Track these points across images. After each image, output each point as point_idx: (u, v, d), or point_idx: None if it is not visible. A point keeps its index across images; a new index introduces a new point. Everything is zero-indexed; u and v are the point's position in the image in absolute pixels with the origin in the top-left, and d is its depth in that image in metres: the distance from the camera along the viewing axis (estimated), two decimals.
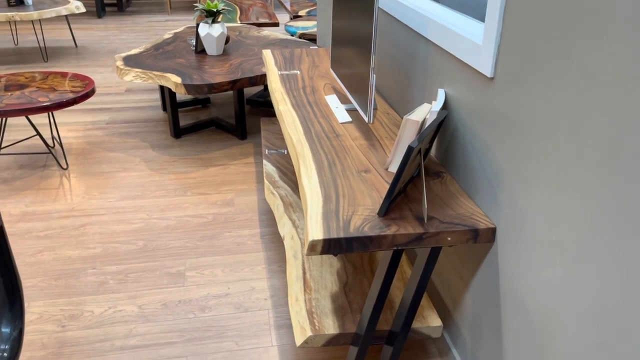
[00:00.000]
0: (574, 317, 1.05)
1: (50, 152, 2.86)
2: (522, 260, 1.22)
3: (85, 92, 2.77)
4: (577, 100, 1.00)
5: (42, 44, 5.51)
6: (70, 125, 3.44)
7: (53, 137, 3.05)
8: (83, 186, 2.70)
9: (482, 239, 1.34)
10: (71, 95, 2.70)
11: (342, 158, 1.65)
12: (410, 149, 1.24)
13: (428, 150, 1.57)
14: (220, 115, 3.63)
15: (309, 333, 1.49)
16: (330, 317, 1.56)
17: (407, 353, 1.73)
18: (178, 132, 3.27)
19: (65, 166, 2.90)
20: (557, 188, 1.08)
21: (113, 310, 1.88)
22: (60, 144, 2.90)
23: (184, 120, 3.54)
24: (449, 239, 1.32)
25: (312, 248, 1.26)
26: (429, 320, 1.57)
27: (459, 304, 1.59)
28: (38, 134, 2.85)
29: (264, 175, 2.37)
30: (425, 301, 1.63)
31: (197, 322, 1.83)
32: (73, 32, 6.04)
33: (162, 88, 3.58)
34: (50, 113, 3.00)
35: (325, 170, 1.57)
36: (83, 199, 2.58)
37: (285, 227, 2.00)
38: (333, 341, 1.51)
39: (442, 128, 1.66)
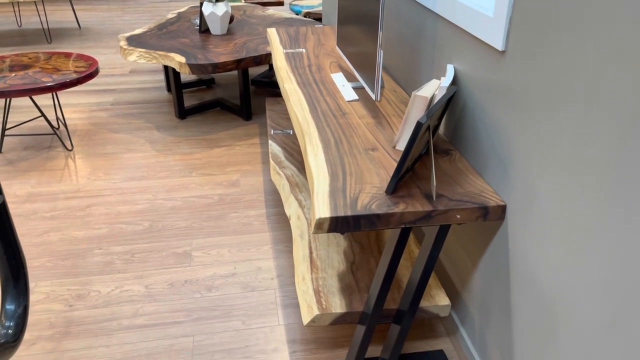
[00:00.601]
0: (586, 295, 1.03)
1: (55, 134, 2.85)
2: (533, 238, 1.20)
3: (89, 72, 2.74)
4: (592, 73, 0.97)
5: (45, 26, 5.47)
6: (75, 106, 3.43)
7: (58, 119, 3.04)
8: (88, 167, 2.69)
9: (492, 216, 1.31)
10: (75, 76, 2.68)
11: (348, 136, 1.62)
12: (419, 125, 1.21)
13: (437, 127, 1.54)
14: (225, 96, 3.60)
15: (316, 312, 1.49)
16: (337, 296, 1.55)
17: (415, 332, 1.72)
18: (183, 113, 3.25)
19: (70, 147, 2.89)
20: (570, 164, 1.05)
21: (120, 290, 1.88)
22: (65, 125, 2.89)
23: (189, 101, 3.51)
24: (458, 216, 1.30)
25: (319, 226, 1.25)
26: (437, 299, 1.55)
27: (467, 282, 1.58)
28: (42, 115, 2.83)
29: (270, 155, 2.35)
30: (433, 280, 1.62)
31: (204, 301, 1.83)
32: (76, 13, 6.00)
33: (166, 68, 3.54)
34: (54, 94, 2.98)
35: (332, 148, 1.55)
36: (88, 180, 2.58)
37: (291, 207, 1.99)
38: (340, 320, 1.50)
39: (451, 104, 1.63)
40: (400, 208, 1.27)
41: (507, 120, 1.29)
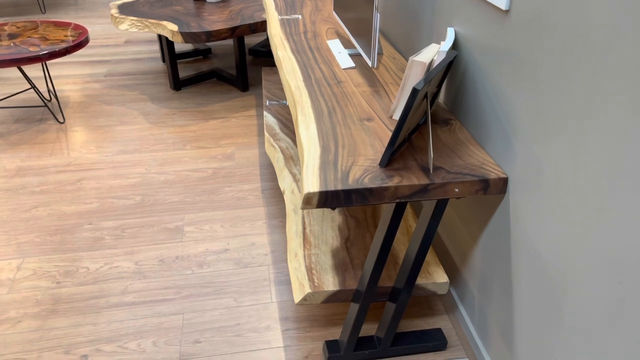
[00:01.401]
0: (592, 273, 0.96)
1: (46, 106, 2.77)
2: (537, 212, 1.12)
3: (79, 41, 2.64)
4: (606, 32, 0.88)
5: None
6: (67, 78, 3.34)
7: (49, 90, 2.95)
8: (80, 140, 2.62)
9: (492, 190, 1.23)
10: (64, 45, 2.58)
11: (343, 105, 1.53)
12: (414, 92, 1.13)
13: (436, 95, 1.45)
14: (221, 66, 3.50)
15: (308, 290, 1.42)
16: (330, 273, 1.48)
17: (412, 309, 1.66)
18: (178, 84, 3.15)
19: (62, 120, 2.81)
20: (578, 135, 0.97)
21: (109, 267, 1.82)
22: (56, 97, 2.80)
23: (184, 72, 3.41)
24: (457, 190, 1.22)
25: (308, 201, 1.17)
26: (435, 277, 1.49)
27: (467, 259, 1.51)
28: (33, 86, 2.75)
29: (265, 127, 2.27)
30: (431, 256, 1.55)
31: (195, 278, 1.77)
32: None
33: (161, 38, 3.44)
34: (44, 64, 2.89)
35: (324, 118, 1.46)
36: (80, 153, 2.50)
37: (285, 181, 1.91)
38: (333, 298, 1.44)
39: (451, 70, 1.53)
40: (394, 182, 1.19)
41: (511, 86, 1.19)
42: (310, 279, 1.46)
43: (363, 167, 1.25)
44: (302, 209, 1.18)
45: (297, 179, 1.90)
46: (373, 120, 1.46)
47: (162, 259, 1.86)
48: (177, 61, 3.57)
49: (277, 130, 2.23)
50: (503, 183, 1.23)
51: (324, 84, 1.68)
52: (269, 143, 2.16)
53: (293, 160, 2.02)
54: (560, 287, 1.06)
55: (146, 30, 2.81)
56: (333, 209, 1.25)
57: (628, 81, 0.83)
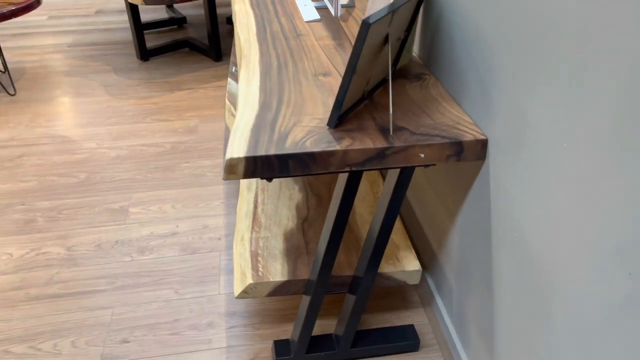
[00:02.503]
0: (591, 261, 0.70)
1: None
2: (521, 182, 0.87)
3: (28, 3, 2.38)
4: None
5: None
6: (26, 49, 3.08)
7: (2, 62, 2.70)
8: (29, 113, 2.37)
9: (468, 155, 0.98)
10: (10, 8, 2.32)
11: (297, 59, 1.28)
12: (365, 26, 0.87)
13: (404, 42, 1.19)
14: (195, 36, 3.22)
15: (250, 281, 1.18)
16: (280, 260, 1.23)
17: (383, 302, 1.42)
18: (145, 53, 2.89)
19: (12, 92, 2.56)
20: (572, 85, 0.71)
21: (36, 253, 1.58)
22: (6, 68, 2.55)
23: (156, 42, 3.15)
24: (422, 155, 0.96)
25: (231, 169, 0.92)
26: (405, 263, 1.24)
27: (444, 242, 1.26)
28: None
29: (226, 95, 2.01)
30: (402, 240, 1.30)
31: (133, 266, 1.53)
32: None
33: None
34: None
35: (272, 74, 1.20)
36: (27, 127, 2.26)
37: None
38: (280, 290, 1.20)
39: (425, 16, 1.27)
40: (343, 145, 0.94)
41: (492, 29, 0.93)
42: (254, 267, 1.21)
43: (307, 127, 0.99)
44: (225, 179, 0.94)
45: None
46: (330, 75, 1.20)
47: (99, 243, 1.62)
48: (149, 31, 3.31)
49: None
50: (481, 146, 0.98)
51: (279, 37, 1.42)
52: (229, 112, 1.90)
53: None
54: (551, 278, 0.80)
55: None
56: (269, 180, 1.00)
57: (625, 26, 0.57)
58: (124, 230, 1.67)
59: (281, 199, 1.44)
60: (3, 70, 2.79)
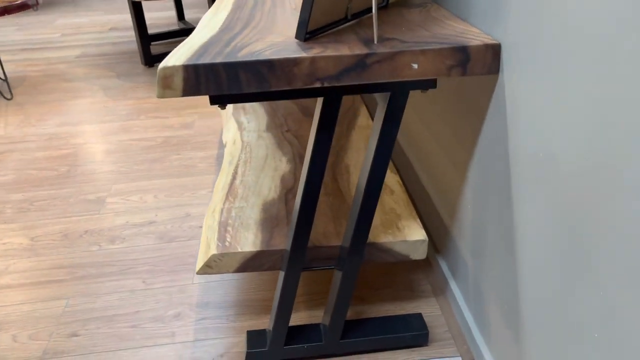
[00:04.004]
0: None
1: None
2: (549, 97, 0.64)
3: (22, 2, 2.30)
4: None
5: None
6: (33, 60, 3.00)
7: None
8: (21, 114, 2.24)
9: (476, 66, 0.75)
10: (2, 5, 2.24)
11: (278, 1, 1.09)
12: None
13: None
14: None
15: (213, 251, 0.96)
16: (253, 229, 1.01)
17: (385, 292, 1.17)
18: (149, 59, 2.77)
19: (9, 97, 2.46)
20: None
21: None
22: (5, 75, 2.45)
23: (164, 50, 3.04)
24: (415, 66, 0.74)
25: (165, 82, 0.72)
26: (406, 233, 0.99)
27: (456, 209, 1.02)
28: None
29: None
30: (404, 208, 1.06)
31: (100, 255, 1.33)
32: None
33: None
34: None
35: (246, 8, 1.02)
36: (17, 127, 2.12)
37: (230, 132, 1.46)
38: (251, 264, 0.97)
39: None
40: (311, 53, 0.73)
41: None
42: (221, 238, 0.99)
43: (270, 42, 0.79)
44: (159, 96, 0.73)
45: (242, 128, 1.45)
46: None
47: (66, 233, 1.43)
48: (159, 42, 3.22)
49: None
50: (492, 54, 0.75)
51: None
52: None
53: (244, 109, 1.58)
54: (597, 217, 0.56)
55: None
56: (222, 106, 0.79)
57: None
58: (96, 220, 1.48)
59: (265, 169, 1.23)
60: (3, 78, 2.70)
